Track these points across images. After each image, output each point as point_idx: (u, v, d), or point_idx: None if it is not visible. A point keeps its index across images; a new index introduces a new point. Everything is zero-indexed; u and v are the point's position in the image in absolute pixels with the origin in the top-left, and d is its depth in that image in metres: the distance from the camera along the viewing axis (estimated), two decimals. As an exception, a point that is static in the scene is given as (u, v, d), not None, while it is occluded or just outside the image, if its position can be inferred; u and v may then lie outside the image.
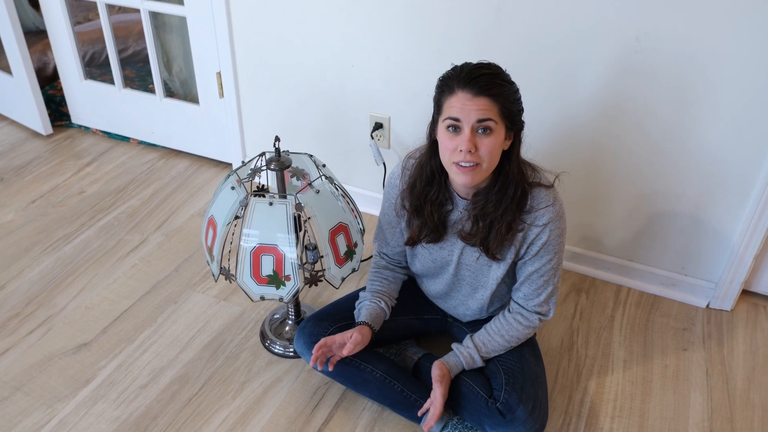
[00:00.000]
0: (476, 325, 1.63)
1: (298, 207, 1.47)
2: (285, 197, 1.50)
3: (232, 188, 1.51)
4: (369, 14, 1.95)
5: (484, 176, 1.35)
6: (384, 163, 2.16)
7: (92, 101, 2.74)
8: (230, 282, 1.56)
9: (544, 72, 1.81)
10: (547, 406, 1.53)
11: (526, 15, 1.75)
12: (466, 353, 1.52)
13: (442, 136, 1.33)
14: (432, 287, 1.65)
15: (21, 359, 1.76)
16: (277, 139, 1.50)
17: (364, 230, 1.67)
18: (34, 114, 2.72)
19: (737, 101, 1.65)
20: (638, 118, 1.77)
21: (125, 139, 2.78)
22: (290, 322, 1.83)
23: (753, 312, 1.97)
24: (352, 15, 1.97)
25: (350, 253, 1.60)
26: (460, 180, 1.35)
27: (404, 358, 1.70)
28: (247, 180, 1.52)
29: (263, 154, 1.57)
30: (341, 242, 1.55)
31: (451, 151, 1.32)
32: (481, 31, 1.82)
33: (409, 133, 2.11)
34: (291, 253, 1.47)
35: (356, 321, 1.56)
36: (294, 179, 1.63)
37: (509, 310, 1.54)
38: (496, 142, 1.30)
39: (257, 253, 1.47)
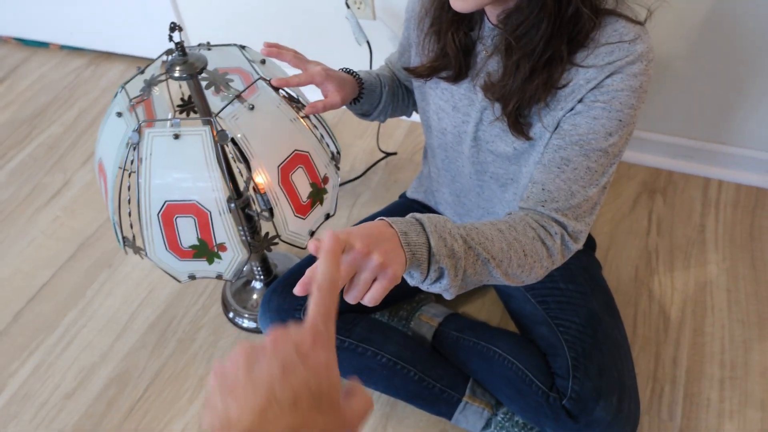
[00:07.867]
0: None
1: (222, 136, 0.91)
2: (204, 122, 0.94)
3: (119, 114, 0.95)
4: None
5: (483, 2, 0.79)
6: (368, 42, 1.55)
7: (-5, 0, 2.12)
8: (141, 258, 1.04)
9: None
10: (638, 394, 1.02)
11: None
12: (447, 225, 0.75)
13: None
14: (449, 186, 1.11)
15: None
16: (174, 27, 0.91)
17: (339, 152, 1.12)
18: None
19: None
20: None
21: (44, 45, 2.18)
22: (258, 285, 1.32)
23: None
24: None
25: (318, 193, 1.05)
26: (452, 5, 0.82)
27: (419, 325, 1.21)
28: (140, 99, 0.95)
29: (170, 51, 0.99)
30: (300, 181, 1.00)
31: None
32: None
33: (400, -6, 1.50)
34: (220, 209, 0.94)
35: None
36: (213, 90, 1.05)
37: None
38: None
39: (168, 216, 0.94)
